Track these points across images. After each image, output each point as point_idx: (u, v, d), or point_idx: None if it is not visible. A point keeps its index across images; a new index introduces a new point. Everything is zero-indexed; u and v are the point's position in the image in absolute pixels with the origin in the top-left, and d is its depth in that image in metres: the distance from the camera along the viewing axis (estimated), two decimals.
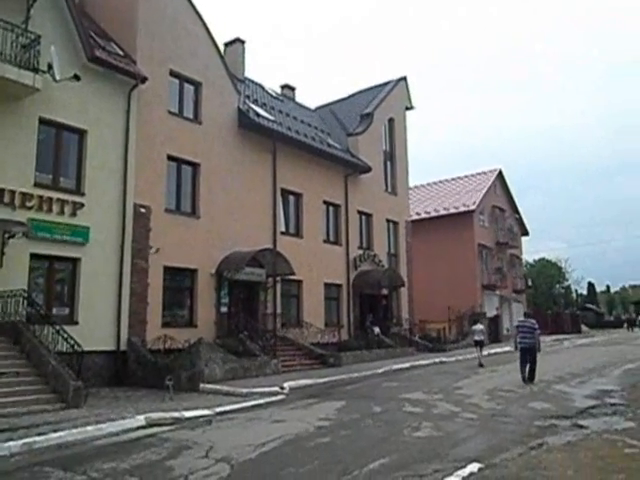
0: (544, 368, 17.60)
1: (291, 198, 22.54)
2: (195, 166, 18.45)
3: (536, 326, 14.43)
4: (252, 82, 25.58)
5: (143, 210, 16.38)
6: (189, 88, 18.65)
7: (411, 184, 31.99)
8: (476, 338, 20.09)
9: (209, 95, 19.08)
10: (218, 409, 10.90)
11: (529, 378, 13.95)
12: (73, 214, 14.65)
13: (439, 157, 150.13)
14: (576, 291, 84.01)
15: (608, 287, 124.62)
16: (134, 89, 16.24)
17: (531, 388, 12.92)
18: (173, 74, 17.99)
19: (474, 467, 6.26)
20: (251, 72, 42.82)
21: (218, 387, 13.68)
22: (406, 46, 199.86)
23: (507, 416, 9.61)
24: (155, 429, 9.36)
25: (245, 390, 13.11)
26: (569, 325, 46.67)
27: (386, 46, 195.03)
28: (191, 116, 18.58)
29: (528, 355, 14.14)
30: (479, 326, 20.69)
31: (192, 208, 18.33)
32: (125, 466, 7.01)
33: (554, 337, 37.33)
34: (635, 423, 8.68)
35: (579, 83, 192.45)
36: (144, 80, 16.36)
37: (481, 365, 18.82)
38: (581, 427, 8.53)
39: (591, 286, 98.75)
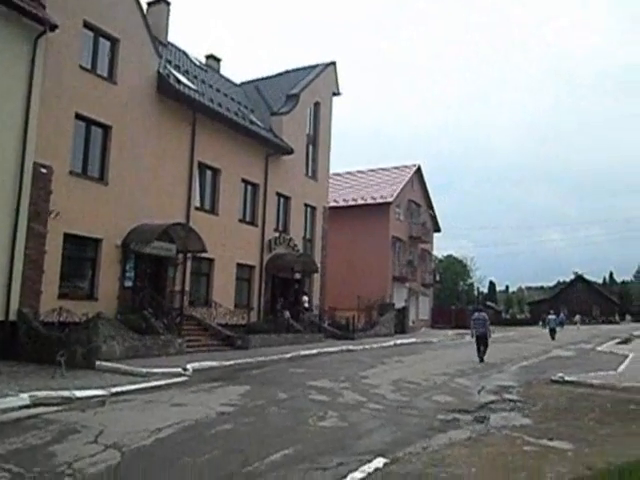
0: (447, 361, 18.19)
1: (208, 173, 21.69)
2: (106, 128, 17.18)
3: (487, 318, 18.50)
4: (175, 48, 24.27)
5: (44, 170, 14.98)
6: (105, 44, 17.25)
7: (331, 171, 31.90)
8: None
9: (127, 54, 17.77)
10: (114, 389, 10.22)
11: (482, 358, 17.58)
12: None
13: (360, 147, 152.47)
14: (478, 289, 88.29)
15: (507, 287, 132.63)
16: (41, 36, 14.67)
17: (435, 380, 13.15)
18: (87, 26, 16.51)
19: (379, 462, 6.09)
20: (175, 38, 40.92)
21: (116, 365, 12.91)
22: (338, 33, 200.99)
23: (412, 408, 9.63)
24: (40, 409, 8.60)
25: (145, 370, 12.43)
26: (470, 321, 48.86)
27: (322, 29, 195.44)
28: (105, 74, 17.23)
29: (482, 341, 17.86)
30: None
31: (100, 173, 17.08)
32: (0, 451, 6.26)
33: (456, 331, 38.83)
34: (531, 420, 8.93)
35: (503, 88, 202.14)
36: (53, 28, 14.81)
37: None
38: (482, 422, 8.68)
39: (492, 285, 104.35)
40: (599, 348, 26.21)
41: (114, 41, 17.46)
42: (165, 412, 8.72)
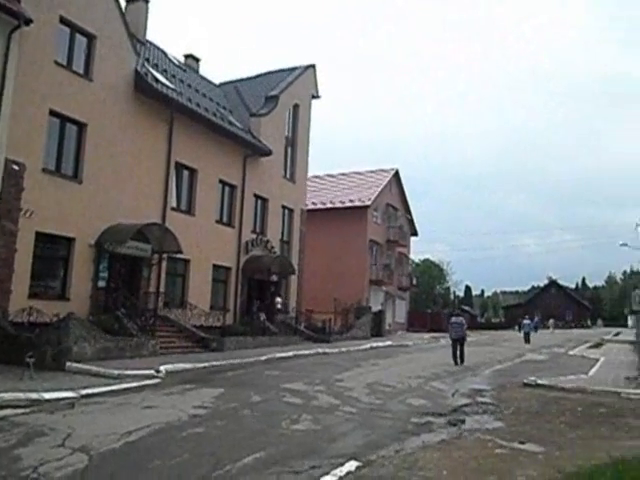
0: (422, 364, 18.28)
1: (185, 173, 21.50)
2: (81, 126, 16.89)
3: (464, 322, 18.99)
4: (154, 46, 24.03)
5: (16, 167, 14.64)
6: (81, 40, 16.96)
7: (309, 173, 31.90)
8: None
9: (104, 51, 17.51)
10: (84, 391, 10.03)
11: (460, 361, 18.02)
12: None
13: (338, 150, 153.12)
14: (454, 293, 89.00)
15: (483, 291, 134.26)
16: (15, 30, 14.31)
17: (409, 384, 13.18)
18: (64, 22, 16.21)
19: (352, 465, 6.06)
20: (154, 36, 40.60)
21: (87, 367, 12.68)
22: (317, 38, 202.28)
23: (386, 411, 9.63)
24: (7, 411, 8.40)
25: (117, 371, 12.24)
26: (446, 324, 49.22)
27: (303, 34, 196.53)
28: (81, 71, 16.94)
29: (458, 343, 18.25)
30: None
31: (74, 171, 16.78)
32: None
33: (432, 335, 39.09)
34: (503, 423, 9.00)
35: (478, 95, 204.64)
36: (28, 22, 14.45)
37: None
38: (455, 425, 8.72)
39: (468, 289, 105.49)
40: (571, 352, 26.63)
41: (91, 38, 17.18)
42: (136, 415, 8.59)
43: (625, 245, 45.65)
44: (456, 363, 17.88)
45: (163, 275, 19.79)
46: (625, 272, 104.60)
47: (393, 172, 42.57)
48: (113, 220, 17.57)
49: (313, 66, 30.16)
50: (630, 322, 70.61)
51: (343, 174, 44.09)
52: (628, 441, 7.81)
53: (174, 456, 6.36)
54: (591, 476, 5.42)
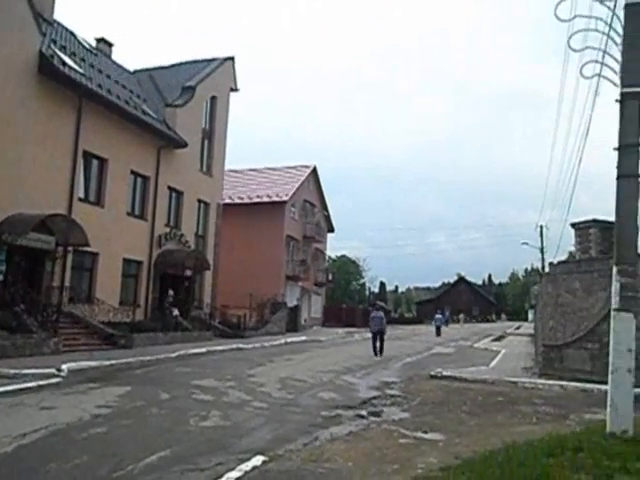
0: (335, 359, 18.55)
1: (94, 162, 20.56)
2: None
3: (384, 317, 19.97)
4: (62, 27, 22.75)
5: None
6: None
7: (227, 167, 31.47)
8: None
9: (4, 29, 16.33)
10: None
11: (380, 352, 19.07)
12: None
13: (259, 145, 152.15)
14: (369, 288, 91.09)
15: (397, 287, 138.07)
16: None
17: (321, 378, 13.32)
18: None
19: (258, 460, 6.03)
20: (62, 17, 38.41)
21: None
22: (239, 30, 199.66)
23: (296, 406, 9.68)
24: None
25: (13, 371, 11.50)
26: (361, 319, 50.18)
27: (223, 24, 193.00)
28: None
29: (378, 336, 19.28)
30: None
31: None
32: None
33: (347, 330, 39.76)
34: (409, 414, 9.30)
35: (397, 97, 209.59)
36: None
37: None
38: (363, 417, 8.90)
39: (382, 285, 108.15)
40: (476, 345, 28.00)
41: None
42: (32, 416, 8.10)
43: (526, 244, 48.47)
44: (376, 354, 18.92)
45: (68, 269, 18.85)
46: (526, 269, 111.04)
47: (311, 168, 42.88)
48: (13, 209, 16.49)
49: (232, 58, 29.77)
50: (530, 316, 75.41)
51: (261, 169, 43.87)
52: (521, 427, 8.31)
53: (72, 458, 6.05)
54: (485, 460, 5.71)
